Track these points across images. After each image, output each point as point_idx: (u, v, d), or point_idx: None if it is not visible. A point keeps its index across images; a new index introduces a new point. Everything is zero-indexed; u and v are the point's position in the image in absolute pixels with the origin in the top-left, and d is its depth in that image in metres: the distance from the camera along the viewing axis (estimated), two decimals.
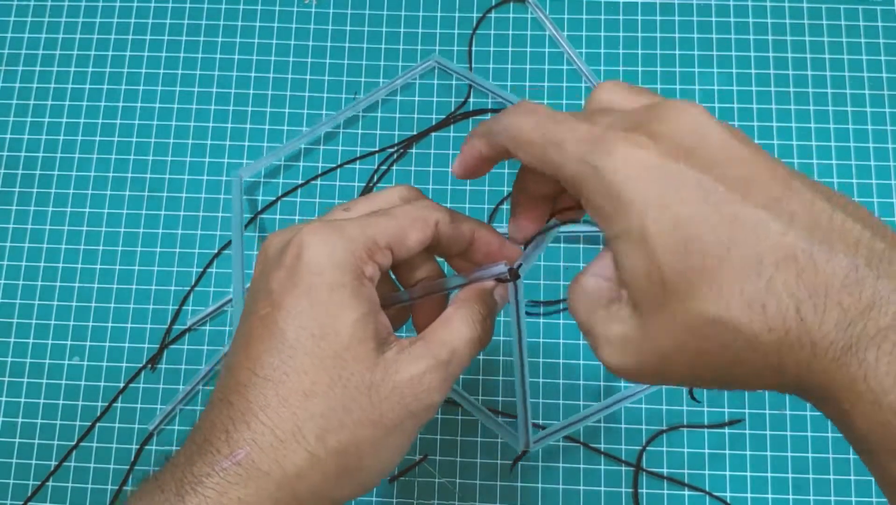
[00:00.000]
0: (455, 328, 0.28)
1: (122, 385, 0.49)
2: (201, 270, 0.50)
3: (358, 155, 0.52)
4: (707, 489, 0.46)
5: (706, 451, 0.47)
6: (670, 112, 0.23)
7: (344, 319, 0.25)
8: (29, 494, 0.47)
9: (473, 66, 0.54)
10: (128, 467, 0.48)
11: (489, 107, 0.53)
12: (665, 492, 0.46)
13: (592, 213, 0.23)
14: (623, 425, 0.47)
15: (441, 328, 0.28)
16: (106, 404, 0.49)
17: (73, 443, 0.48)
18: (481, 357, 0.49)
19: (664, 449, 0.47)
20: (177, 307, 0.50)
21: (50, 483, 0.48)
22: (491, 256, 0.30)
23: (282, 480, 0.25)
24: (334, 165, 0.52)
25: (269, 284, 0.26)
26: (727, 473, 0.46)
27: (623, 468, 0.47)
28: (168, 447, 0.48)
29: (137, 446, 0.48)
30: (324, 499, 0.26)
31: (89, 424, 0.48)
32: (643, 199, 0.21)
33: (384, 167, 0.52)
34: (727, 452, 0.47)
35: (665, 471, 0.47)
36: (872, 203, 0.50)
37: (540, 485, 0.47)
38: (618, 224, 0.22)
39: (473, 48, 0.54)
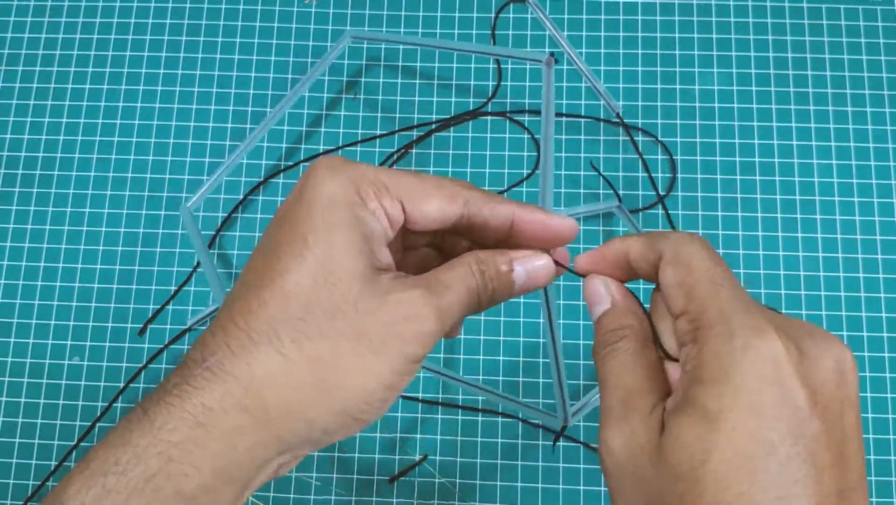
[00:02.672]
0: (452, 268, 0.26)
1: (122, 385, 0.49)
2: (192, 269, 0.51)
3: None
4: None
5: None
6: (824, 353, 0.22)
7: (338, 231, 0.24)
8: (29, 494, 0.47)
9: (474, 66, 0.54)
10: None
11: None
12: None
13: (690, 344, 0.23)
14: None
15: (439, 268, 0.27)
16: (106, 404, 0.49)
17: (74, 443, 0.48)
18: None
19: None
20: (166, 304, 0.50)
21: (50, 483, 0.48)
22: (538, 238, 0.28)
23: (250, 385, 0.23)
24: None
25: (280, 210, 0.26)
26: None
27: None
28: None
29: None
30: (298, 416, 0.24)
31: (89, 424, 0.48)
32: (752, 400, 0.21)
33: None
34: None
35: None
36: (872, 203, 0.50)
37: (540, 485, 0.47)
38: (712, 388, 0.22)
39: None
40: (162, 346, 0.49)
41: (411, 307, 0.24)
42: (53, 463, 0.48)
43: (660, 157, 0.52)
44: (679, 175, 0.51)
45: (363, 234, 0.25)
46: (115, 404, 0.49)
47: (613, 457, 0.24)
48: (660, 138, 0.52)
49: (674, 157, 0.51)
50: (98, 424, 0.48)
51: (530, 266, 0.28)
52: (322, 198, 0.25)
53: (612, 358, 0.25)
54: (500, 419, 0.48)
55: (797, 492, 0.20)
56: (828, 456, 0.21)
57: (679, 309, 0.24)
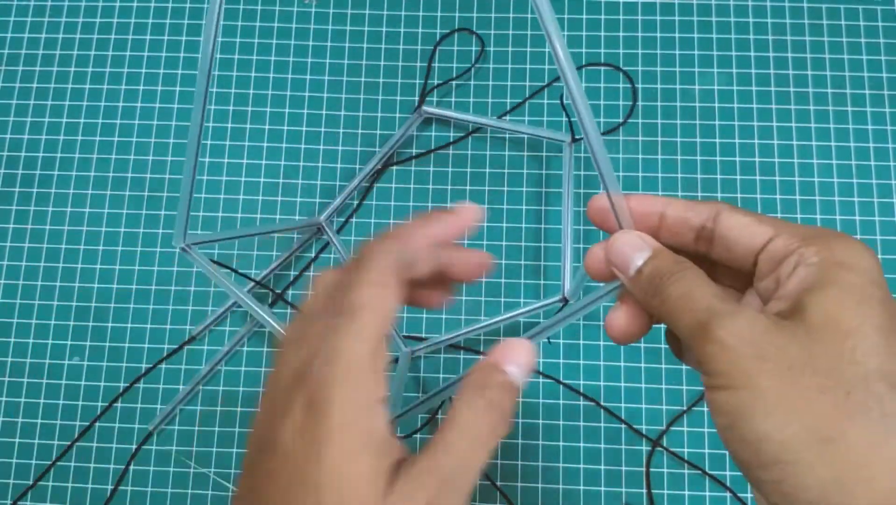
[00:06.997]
0: (458, 427, 0.26)
1: (121, 385, 0.49)
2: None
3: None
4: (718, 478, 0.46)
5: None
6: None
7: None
8: (27, 493, 0.47)
9: (475, 66, 0.54)
10: (126, 467, 0.48)
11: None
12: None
13: (805, 248, 0.23)
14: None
15: (447, 430, 0.25)
16: (106, 404, 0.49)
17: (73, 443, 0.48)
18: None
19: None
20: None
21: (50, 483, 0.48)
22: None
23: None
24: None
25: (278, 437, 0.23)
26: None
27: (623, 468, 0.47)
28: (168, 447, 0.48)
29: (136, 446, 0.48)
30: None
31: (89, 424, 0.48)
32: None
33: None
34: None
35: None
36: (872, 203, 0.50)
37: (539, 485, 0.47)
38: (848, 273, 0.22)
39: (474, 48, 0.54)
40: (162, 345, 0.49)
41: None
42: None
43: (660, 156, 0.52)
44: (679, 175, 0.51)
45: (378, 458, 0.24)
46: (115, 405, 0.49)
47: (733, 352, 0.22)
48: (660, 138, 0.52)
49: (676, 157, 0.51)
50: (98, 424, 0.48)
51: (516, 358, 0.26)
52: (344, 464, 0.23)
53: (682, 279, 0.24)
54: None
55: None
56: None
57: (769, 236, 0.24)
